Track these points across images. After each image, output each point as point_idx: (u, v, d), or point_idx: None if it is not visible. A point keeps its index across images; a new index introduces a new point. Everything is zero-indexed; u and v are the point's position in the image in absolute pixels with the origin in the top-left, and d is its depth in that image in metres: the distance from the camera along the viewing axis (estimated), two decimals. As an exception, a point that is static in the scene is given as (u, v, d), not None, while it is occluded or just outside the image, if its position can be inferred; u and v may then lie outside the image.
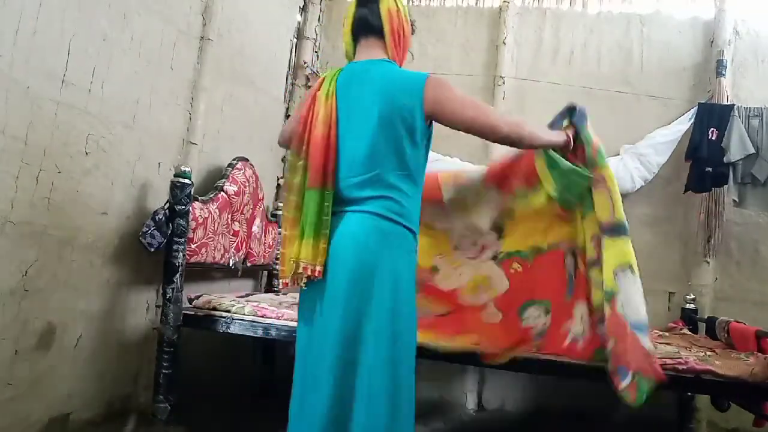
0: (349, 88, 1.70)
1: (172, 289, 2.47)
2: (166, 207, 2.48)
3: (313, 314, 1.66)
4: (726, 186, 3.40)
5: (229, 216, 2.96)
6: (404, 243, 1.66)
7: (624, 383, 1.78)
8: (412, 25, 1.82)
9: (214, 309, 2.59)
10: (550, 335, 2.12)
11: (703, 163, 3.40)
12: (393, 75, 1.69)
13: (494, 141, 1.74)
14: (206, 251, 2.73)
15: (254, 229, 3.25)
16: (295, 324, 2.00)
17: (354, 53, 1.79)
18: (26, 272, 2.07)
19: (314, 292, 1.65)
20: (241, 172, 3.11)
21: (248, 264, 3.22)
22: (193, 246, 2.60)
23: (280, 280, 1.72)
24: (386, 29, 1.72)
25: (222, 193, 2.90)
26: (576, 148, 1.97)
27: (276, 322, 2.49)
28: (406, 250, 1.67)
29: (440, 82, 1.66)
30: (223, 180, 2.97)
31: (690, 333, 3.07)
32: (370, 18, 1.73)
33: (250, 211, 3.20)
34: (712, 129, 3.40)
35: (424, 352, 1.91)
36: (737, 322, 2.71)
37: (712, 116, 3.42)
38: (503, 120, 1.72)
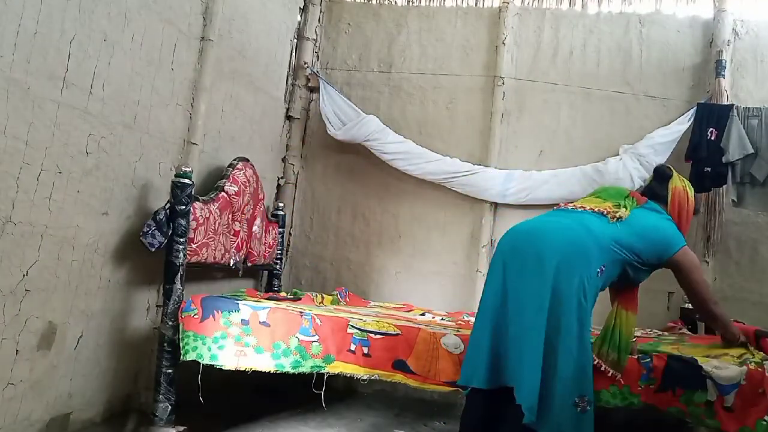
0: None
1: (173, 289, 2.47)
2: (166, 207, 2.49)
3: None
4: (725, 186, 3.40)
5: (230, 216, 2.96)
6: None
7: None
8: (695, 208, 2.20)
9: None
10: None
11: (702, 163, 3.40)
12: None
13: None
14: (207, 251, 2.73)
15: (255, 229, 3.26)
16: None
17: None
18: (27, 272, 2.08)
19: None
20: (242, 172, 3.11)
21: (249, 264, 3.23)
22: (193, 246, 2.60)
23: None
24: (669, 199, 2.08)
25: (222, 193, 2.91)
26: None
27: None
28: None
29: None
30: (224, 180, 2.97)
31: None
32: (657, 190, 2.10)
33: (251, 211, 3.20)
34: (711, 129, 3.41)
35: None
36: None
37: (711, 116, 3.43)
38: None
